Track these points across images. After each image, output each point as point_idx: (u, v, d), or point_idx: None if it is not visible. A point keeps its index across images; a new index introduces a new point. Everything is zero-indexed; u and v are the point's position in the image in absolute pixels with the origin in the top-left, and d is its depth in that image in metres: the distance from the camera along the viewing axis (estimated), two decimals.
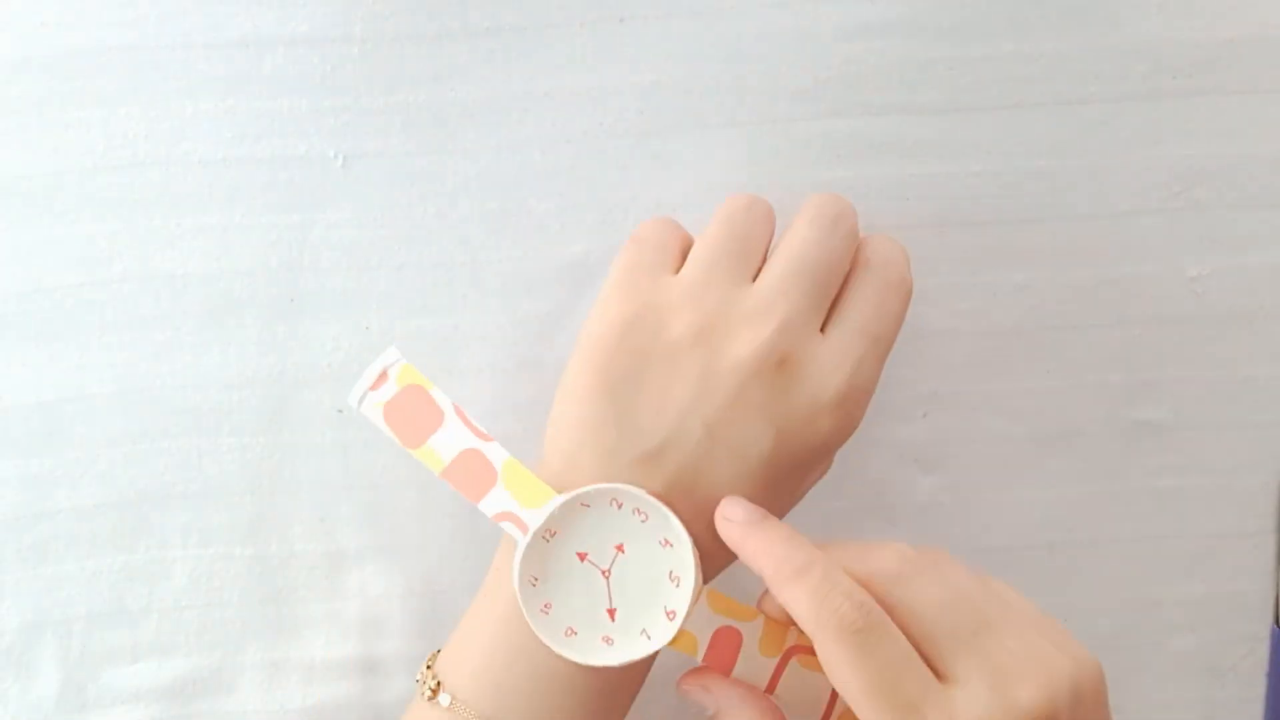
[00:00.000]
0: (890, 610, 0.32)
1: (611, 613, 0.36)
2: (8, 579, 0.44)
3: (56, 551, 0.44)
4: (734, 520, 0.35)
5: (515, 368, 0.44)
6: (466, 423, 0.37)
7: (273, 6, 0.41)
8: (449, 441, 0.36)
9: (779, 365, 0.36)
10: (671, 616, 0.35)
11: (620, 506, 0.36)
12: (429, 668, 0.38)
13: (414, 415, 0.36)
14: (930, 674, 0.31)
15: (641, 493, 0.35)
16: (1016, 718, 0.31)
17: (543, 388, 0.44)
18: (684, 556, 0.35)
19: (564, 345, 0.44)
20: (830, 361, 0.37)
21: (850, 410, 0.37)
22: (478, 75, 0.42)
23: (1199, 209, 0.43)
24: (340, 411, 0.44)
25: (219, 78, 0.42)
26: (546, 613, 0.35)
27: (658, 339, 0.37)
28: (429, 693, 0.37)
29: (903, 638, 0.32)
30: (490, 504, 0.36)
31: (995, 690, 0.31)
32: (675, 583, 0.35)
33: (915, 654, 0.31)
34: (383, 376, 0.37)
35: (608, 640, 0.35)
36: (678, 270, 0.38)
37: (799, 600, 0.32)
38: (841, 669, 0.31)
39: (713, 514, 0.36)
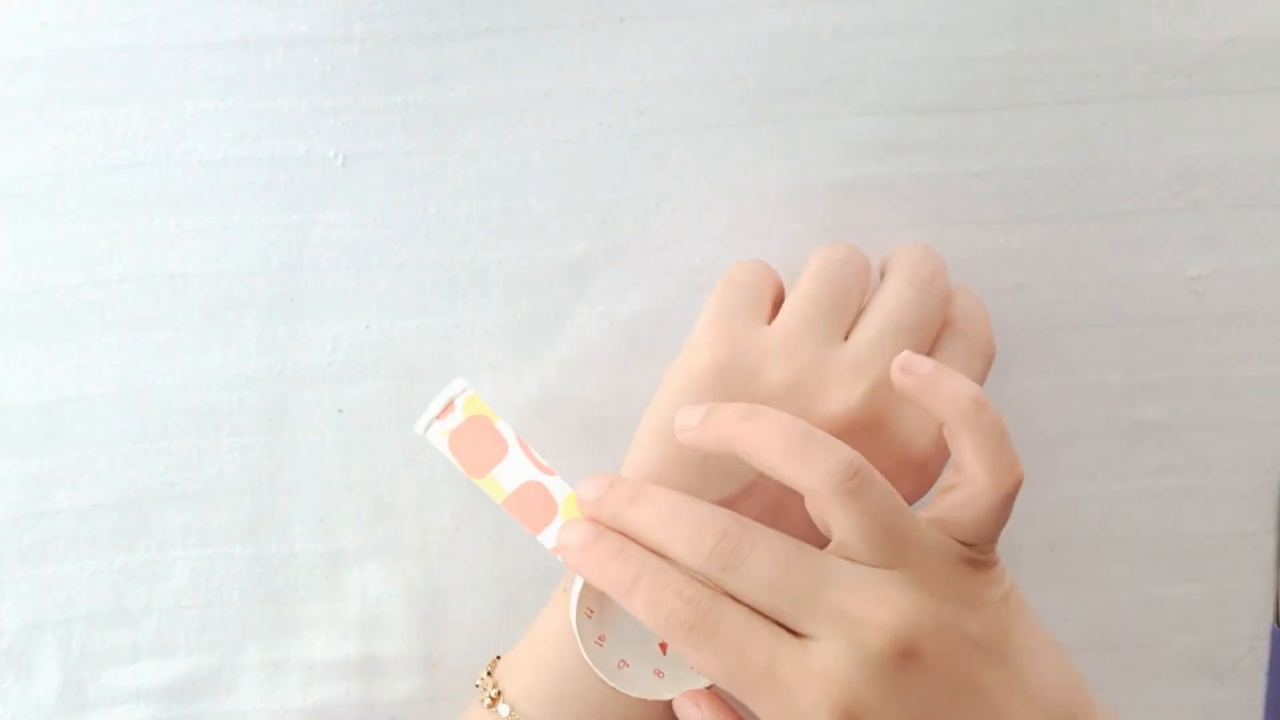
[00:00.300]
0: (729, 591, 0.33)
1: (664, 646, 0.36)
2: (8, 579, 0.44)
3: (57, 551, 0.44)
4: (570, 546, 0.35)
5: (516, 367, 0.44)
6: (529, 455, 0.38)
7: (272, 6, 0.41)
8: (512, 473, 0.37)
9: (868, 425, 0.37)
10: None
11: None
12: (489, 674, 0.39)
13: (478, 445, 0.38)
14: (780, 632, 0.32)
15: None
16: (873, 659, 0.31)
17: (543, 387, 0.44)
18: None
19: (565, 345, 0.44)
20: (917, 424, 0.37)
21: (931, 472, 0.38)
22: (478, 75, 0.42)
23: (1199, 209, 0.43)
24: (341, 411, 0.44)
25: (219, 78, 0.42)
26: (601, 644, 0.36)
27: (749, 387, 0.37)
28: (489, 700, 0.38)
29: (739, 610, 0.32)
30: (550, 536, 0.37)
31: (848, 637, 0.31)
32: None
33: (757, 620, 0.32)
34: (449, 406, 0.38)
35: (659, 673, 0.36)
36: (771, 318, 0.39)
37: (641, 614, 0.33)
38: (695, 664, 0.33)
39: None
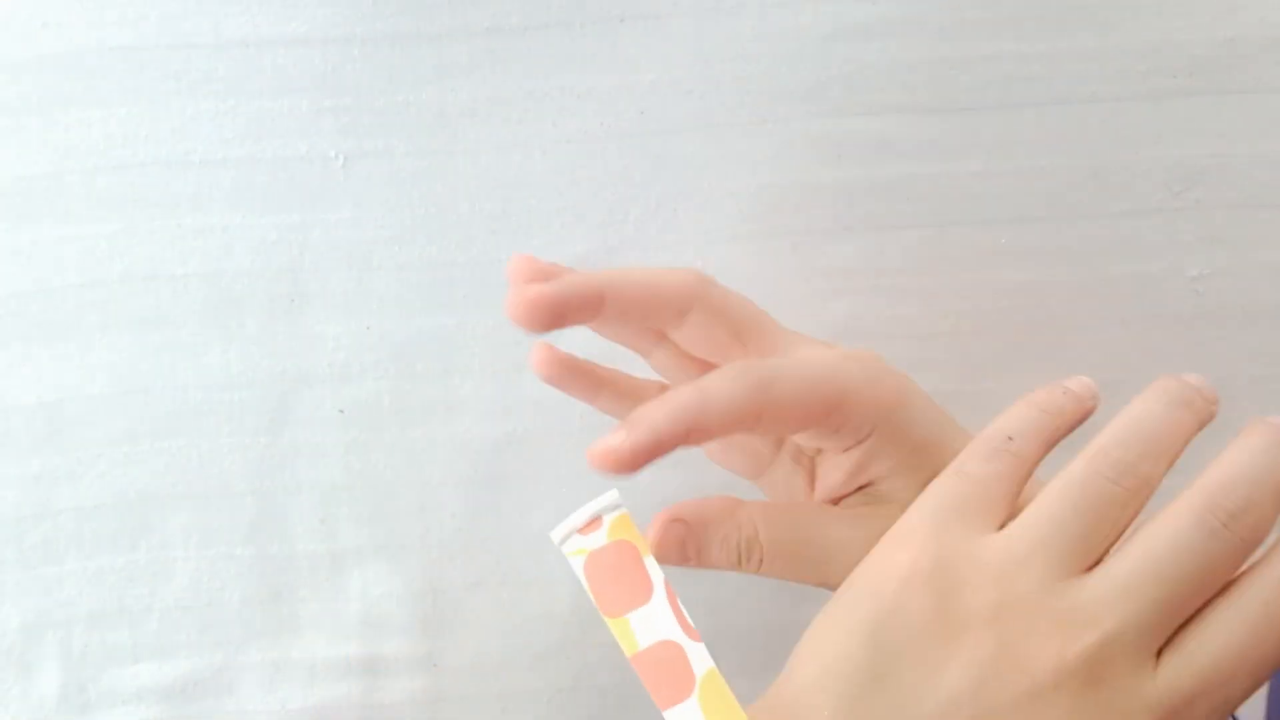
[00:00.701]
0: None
1: None
2: (9, 579, 0.44)
3: (58, 551, 0.44)
4: None
5: (517, 368, 0.44)
6: (675, 609, 0.32)
7: (273, 7, 0.41)
8: (650, 624, 0.32)
9: (1087, 684, 0.29)
10: None
11: None
12: None
13: (619, 578, 0.32)
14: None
15: None
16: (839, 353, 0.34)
17: (544, 388, 0.44)
18: None
19: (566, 345, 0.44)
20: (1153, 697, 0.29)
21: None
22: (478, 75, 0.42)
23: (1199, 208, 0.43)
24: (342, 411, 0.44)
25: (220, 78, 0.42)
26: None
27: (948, 602, 0.30)
28: None
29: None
30: (679, 718, 0.31)
31: (819, 345, 0.34)
32: None
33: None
34: (595, 522, 0.32)
35: None
36: (1002, 525, 0.32)
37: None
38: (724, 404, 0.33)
39: None
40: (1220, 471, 0.30)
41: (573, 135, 0.42)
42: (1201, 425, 0.32)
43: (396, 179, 0.43)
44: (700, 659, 0.31)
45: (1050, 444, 0.33)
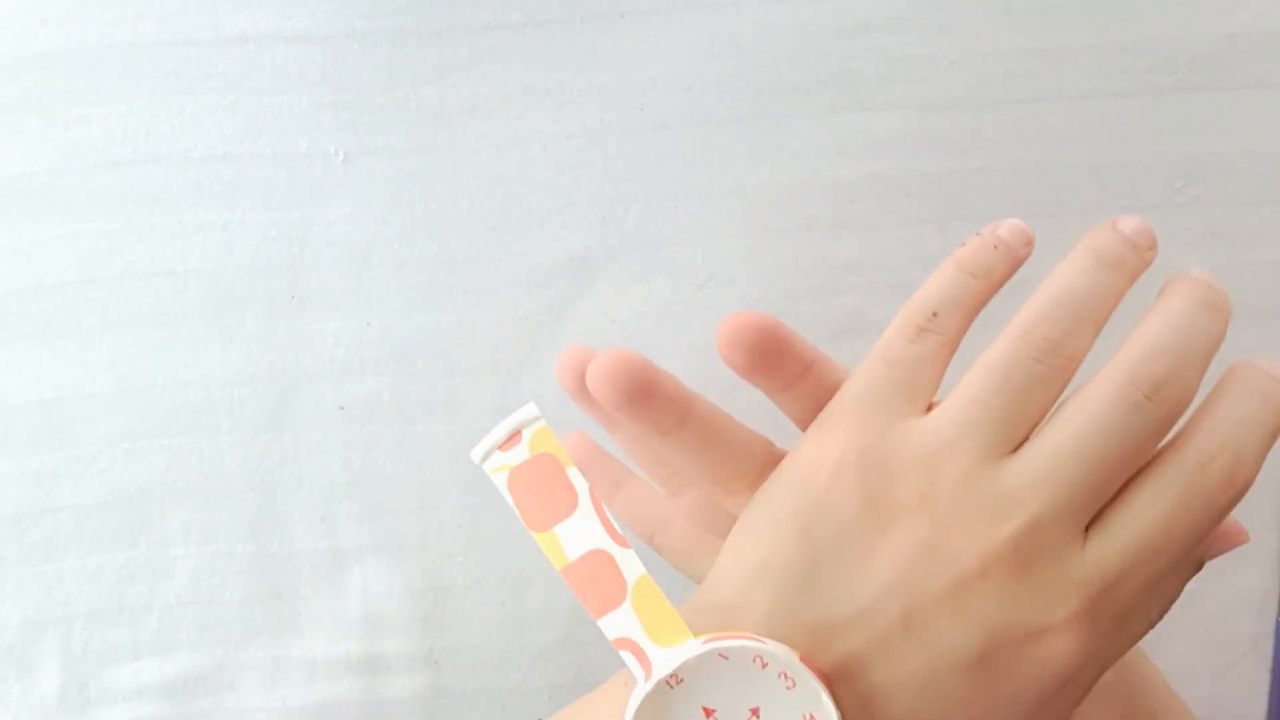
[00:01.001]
0: None
1: None
2: (9, 577, 0.44)
3: (58, 549, 0.44)
4: None
5: (517, 365, 0.44)
6: (603, 518, 0.31)
7: (273, 3, 0.41)
8: (578, 534, 0.31)
9: (1004, 577, 0.29)
10: None
11: (765, 666, 0.30)
12: None
13: (543, 491, 0.31)
14: None
15: (794, 658, 0.29)
16: None
17: (545, 385, 0.44)
18: None
19: (566, 342, 0.43)
20: (1082, 575, 0.29)
21: (1100, 636, 0.29)
22: (479, 71, 0.42)
23: (1201, 205, 0.43)
24: (342, 409, 0.44)
25: (219, 74, 0.42)
26: None
27: (876, 492, 0.30)
28: None
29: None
30: (612, 624, 0.31)
31: None
32: None
33: None
34: (514, 437, 0.32)
35: None
36: (930, 407, 0.31)
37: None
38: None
39: (879, 710, 0.30)
40: (1142, 341, 0.30)
41: (573, 132, 0.42)
42: (1135, 277, 0.32)
43: (397, 176, 0.43)
44: (631, 565, 0.31)
45: (977, 310, 0.32)
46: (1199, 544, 0.30)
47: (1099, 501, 0.30)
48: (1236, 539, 0.33)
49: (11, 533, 0.44)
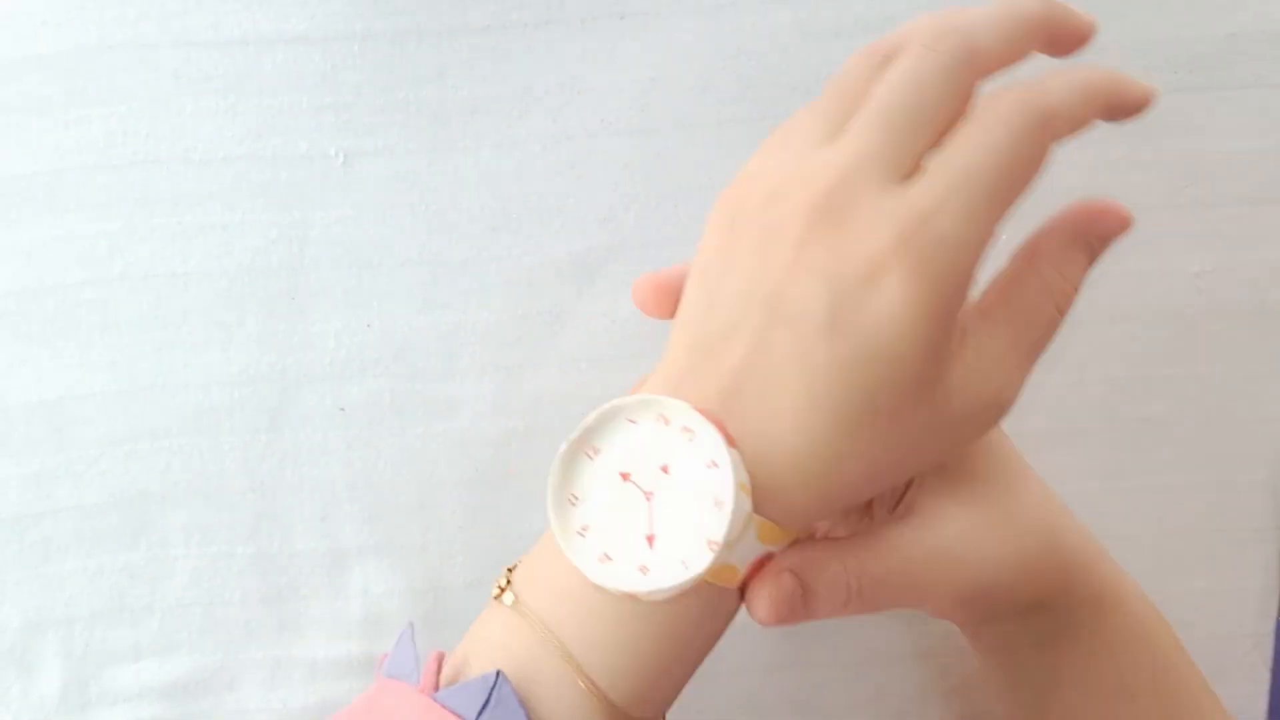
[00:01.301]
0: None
1: (650, 539, 0.32)
2: (10, 578, 0.44)
3: (58, 550, 0.44)
4: None
5: (518, 365, 0.44)
6: None
7: (273, 5, 0.41)
8: None
9: (832, 221, 0.30)
10: (712, 547, 0.31)
11: (668, 423, 0.32)
12: (510, 570, 0.35)
13: None
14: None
15: (686, 407, 0.31)
16: None
17: (546, 385, 0.44)
18: (726, 480, 0.31)
19: (566, 343, 0.43)
20: (895, 208, 0.30)
21: (928, 265, 0.29)
22: (478, 72, 0.42)
23: (1201, 205, 0.43)
24: (342, 409, 0.44)
25: (219, 76, 0.42)
26: (584, 535, 0.32)
27: (755, 210, 0.32)
28: (496, 591, 0.34)
29: None
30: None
31: None
32: (719, 509, 0.31)
33: None
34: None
35: (644, 569, 0.32)
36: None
37: None
38: None
39: (775, 430, 0.31)
40: (929, 19, 0.32)
41: (573, 132, 0.42)
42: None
43: (397, 177, 0.43)
44: None
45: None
46: (1015, 169, 0.31)
47: (912, 152, 0.31)
48: (1119, 219, 0.34)
49: (11, 533, 0.44)
